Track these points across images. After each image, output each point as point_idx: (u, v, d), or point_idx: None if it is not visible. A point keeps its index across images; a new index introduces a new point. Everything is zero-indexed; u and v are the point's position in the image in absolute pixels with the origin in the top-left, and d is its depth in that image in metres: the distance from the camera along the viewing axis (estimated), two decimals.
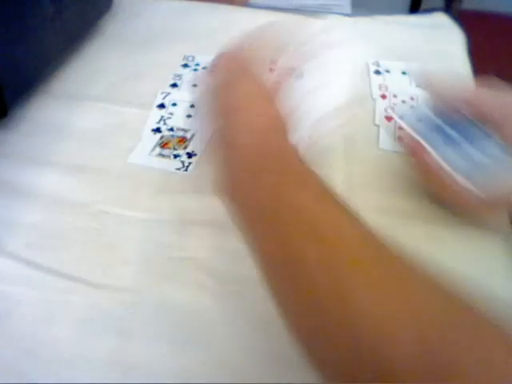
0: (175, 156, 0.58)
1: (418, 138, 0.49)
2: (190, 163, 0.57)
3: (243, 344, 0.43)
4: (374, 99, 0.67)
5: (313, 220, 0.34)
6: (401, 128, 0.52)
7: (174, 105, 0.66)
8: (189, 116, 0.64)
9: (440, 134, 0.49)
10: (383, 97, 0.67)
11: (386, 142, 0.61)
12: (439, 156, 0.47)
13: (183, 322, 0.44)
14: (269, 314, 0.45)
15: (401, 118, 0.53)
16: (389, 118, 0.64)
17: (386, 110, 0.65)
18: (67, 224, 0.52)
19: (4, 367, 0.41)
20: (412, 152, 0.51)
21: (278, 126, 0.41)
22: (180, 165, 0.57)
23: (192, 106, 0.65)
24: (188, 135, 0.61)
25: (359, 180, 0.57)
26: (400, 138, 0.53)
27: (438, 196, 0.52)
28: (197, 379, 0.41)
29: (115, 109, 0.65)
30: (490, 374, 0.26)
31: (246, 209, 0.38)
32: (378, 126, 0.63)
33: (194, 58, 0.74)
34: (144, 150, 0.59)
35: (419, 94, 0.68)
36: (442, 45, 0.78)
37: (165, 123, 0.63)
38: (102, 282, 0.47)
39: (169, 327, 0.44)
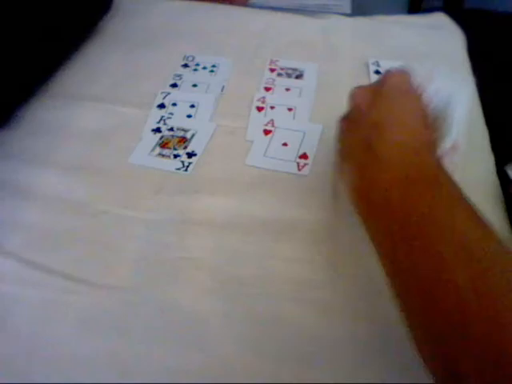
0: (175, 156, 0.58)
1: None
2: (189, 163, 0.57)
3: (243, 344, 0.43)
4: None
5: (465, 240, 0.32)
6: None
7: (174, 105, 0.65)
8: (189, 116, 0.64)
9: None
10: None
11: None
12: None
13: (183, 321, 0.44)
14: (268, 314, 0.45)
15: None
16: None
17: None
18: (67, 224, 0.52)
19: (4, 367, 0.41)
20: None
21: (427, 142, 0.41)
22: (180, 165, 0.57)
23: (192, 105, 0.65)
24: (188, 135, 0.61)
25: None
26: None
27: None
28: (197, 379, 0.41)
29: (115, 109, 0.65)
30: None
31: (386, 217, 0.37)
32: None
33: (194, 57, 0.74)
34: (144, 150, 0.59)
35: None
36: (442, 45, 0.78)
37: (165, 123, 0.63)
38: (101, 282, 0.47)
39: (169, 327, 0.44)
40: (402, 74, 0.45)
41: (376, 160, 0.39)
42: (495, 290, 0.30)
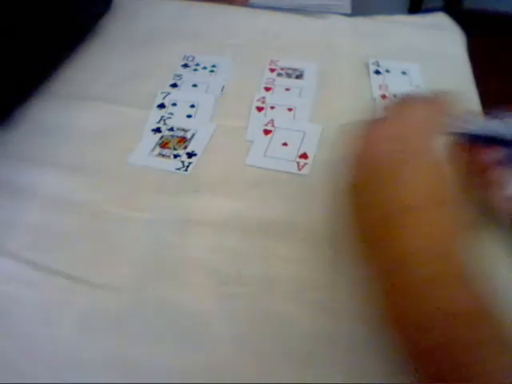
0: (175, 156, 0.58)
1: (488, 134, 0.45)
2: (190, 163, 0.57)
3: (243, 344, 0.43)
4: (374, 99, 0.67)
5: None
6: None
7: (174, 105, 0.66)
8: (189, 116, 0.64)
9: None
10: (383, 97, 0.67)
11: None
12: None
13: (183, 321, 0.44)
14: (268, 314, 0.45)
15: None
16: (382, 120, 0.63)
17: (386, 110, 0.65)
18: (67, 224, 0.52)
19: (4, 367, 0.41)
20: (463, 148, 0.47)
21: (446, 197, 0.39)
22: (180, 165, 0.57)
23: (192, 105, 0.65)
24: (188, 135, 0.61)
25: None
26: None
27: (482, 198, 0.49)
28: (197, 379, 0.41)
29: (115, 109, 0.65)
30: None
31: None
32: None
33: (194, 57, 0.74)
34: (144, 150, 0.59)
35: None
36: (442, 45, 0.78)
37: (165, 123, 0.63)
38: (101, 282, 0.47)
39: (169, 327, 0.44)
40: (425, 106, 0.42)
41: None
42: None
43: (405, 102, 0.44)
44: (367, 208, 0.39)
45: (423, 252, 0.36)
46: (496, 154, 0.45)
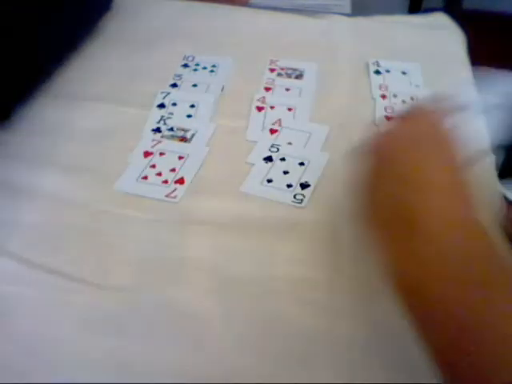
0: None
1: None
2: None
3: (242, 344, 0.43)
4: (374, 99, 0.67)
5: None
6: None
7: (174, 105, 0.65)
8: (189, 116, 0.64)
9: None
10: (383, 97, 0.67)
11: None
12: None
13: (183, 321, 0.44)
14: (268, 314, 0.45)
15: None
16: (389, 118, 0.64)
17: (385, 110, 0.65)
18: (67, 224, 0.52)
19: (4, 367, 0.41)
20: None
21: (467, 202, 0.37)
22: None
23: (192, 105, 0.65)
24: (188, 135, 0.61)
25: None
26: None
27: None
28: (196, 379, 0.41)
29: (115, 109, 0.65)
30: None
31: (441, 312, 0.33)
32: (378, 126, 0.63)
33: (194, 57, 0.74)
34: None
35: (419, 93, 0.68)
36: (442, 45, 0.78)
37: (165, 123, 0.63)
38: (101, 282, 0.47)
39: (168, 327, 0.44)
40: (434, 113, 0.41)
41: (422, 238, 0.35)
42: None
43: (414, 111, 0.44)
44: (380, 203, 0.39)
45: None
46: None
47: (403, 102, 0.67)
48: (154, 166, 0.57)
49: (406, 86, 0.70)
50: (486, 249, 0.35)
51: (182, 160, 0.58)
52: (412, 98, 0.67)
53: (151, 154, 0.58)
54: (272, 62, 0.74)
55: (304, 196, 0.54)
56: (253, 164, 0.57)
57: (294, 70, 0.72)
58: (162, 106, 0.65)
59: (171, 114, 0.64)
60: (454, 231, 0.35)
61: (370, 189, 0.40)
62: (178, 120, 0.63)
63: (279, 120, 0.63)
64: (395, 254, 0.36)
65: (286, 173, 0.56)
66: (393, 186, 0.38)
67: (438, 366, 0.33)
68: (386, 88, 0.69)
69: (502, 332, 0.31)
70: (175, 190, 0.54)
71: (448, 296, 0.33)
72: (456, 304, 0.33)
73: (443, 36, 0.80)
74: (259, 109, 0.65)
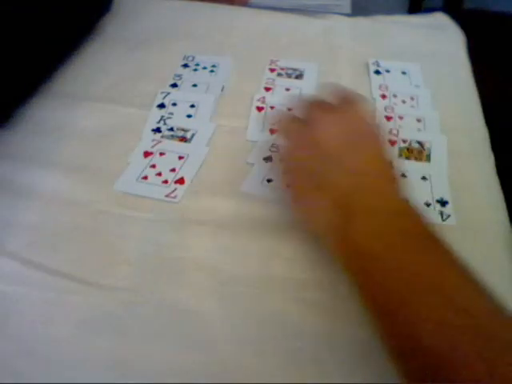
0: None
1: None
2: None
3: (243, 344, 0.43)
4: (374, 99, 0.67)
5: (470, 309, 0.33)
6: None
7: (174, 105, 0.65)
8: (189, 116, 0.64)
9: None
10: (383, 97, 0.67)
11: None
12: None
13: (183, 321, 0.44)
14: (268, 314, 0.45)
15: None
16: (388, 118, 0.64)
17: (385, 110, 0.65)
18: (67, 224, 0.52)
19: (4, 367, 0.41)
20: None
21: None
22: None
23: (192, 105, 0.65)
24: (188, 135, 0.61)
25: None
26: None
27: None
28: (197, 379, 0.41)
29: (115, 109, 0.65)
30: None
31: (373, 267, 0.38)
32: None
33: (194, 57, 0.74)
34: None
35: (419, 93, 0.68)
36: (442, 45, 0.78)
37: (165, 123, 0.63)
38: (101, 282, 0.47)
39: (169, 327, 0.44)
40: (361, 107, 0.44)
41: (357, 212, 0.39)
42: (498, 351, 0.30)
43: (311, 107, 0.47)
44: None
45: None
46: None
47: (403, 102, 0.67)
48: (154, 166, 0.57)
49: (406, 86, 0.70)
50: (413, 211, 0.39)
51: (182, 160, 0.58)
52: (412, 98, 0.67)
53: (151, 153, 0.58)
54: (272, 61, 0.74)
55: None
56: (253, 164, 0.58)
57: (294, 70, 0.72)
58: (161, 105, 0.65)
59: (171, 114, 0.64)
60: (385, 203, 0.39)
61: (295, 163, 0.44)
62: (178, 120, 0.63)
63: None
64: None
65: None
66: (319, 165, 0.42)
67: (387, 348, 0.36)
68: (386, 88, 0.69)
69: (428, 282, 0.34)
70: (175, 189, 0.54)
71: (375, 249, 0.37)
72: (387, 256, 0.36)
73: (443, 36, 0.80)
74: (259, 109, 0.65)
